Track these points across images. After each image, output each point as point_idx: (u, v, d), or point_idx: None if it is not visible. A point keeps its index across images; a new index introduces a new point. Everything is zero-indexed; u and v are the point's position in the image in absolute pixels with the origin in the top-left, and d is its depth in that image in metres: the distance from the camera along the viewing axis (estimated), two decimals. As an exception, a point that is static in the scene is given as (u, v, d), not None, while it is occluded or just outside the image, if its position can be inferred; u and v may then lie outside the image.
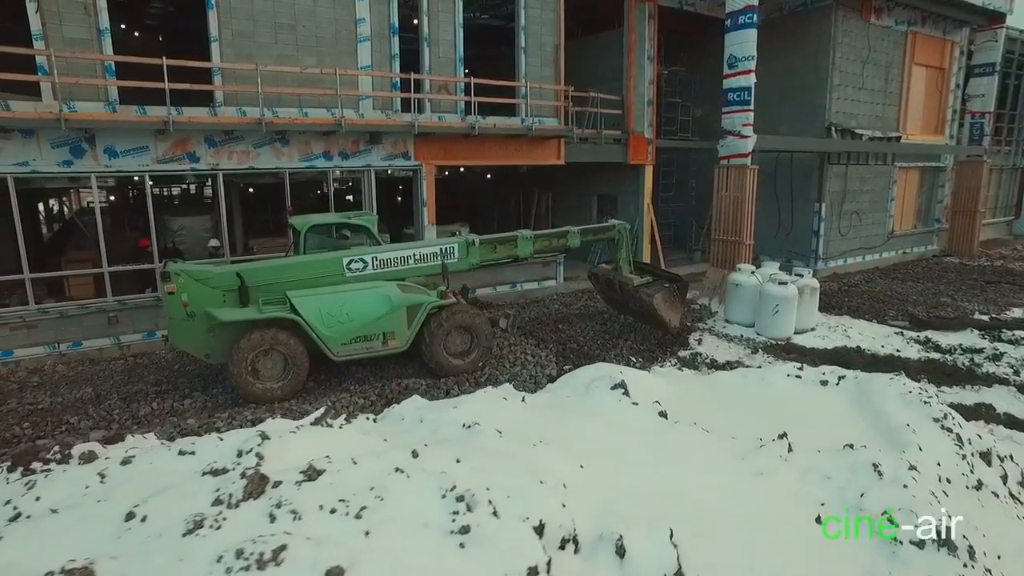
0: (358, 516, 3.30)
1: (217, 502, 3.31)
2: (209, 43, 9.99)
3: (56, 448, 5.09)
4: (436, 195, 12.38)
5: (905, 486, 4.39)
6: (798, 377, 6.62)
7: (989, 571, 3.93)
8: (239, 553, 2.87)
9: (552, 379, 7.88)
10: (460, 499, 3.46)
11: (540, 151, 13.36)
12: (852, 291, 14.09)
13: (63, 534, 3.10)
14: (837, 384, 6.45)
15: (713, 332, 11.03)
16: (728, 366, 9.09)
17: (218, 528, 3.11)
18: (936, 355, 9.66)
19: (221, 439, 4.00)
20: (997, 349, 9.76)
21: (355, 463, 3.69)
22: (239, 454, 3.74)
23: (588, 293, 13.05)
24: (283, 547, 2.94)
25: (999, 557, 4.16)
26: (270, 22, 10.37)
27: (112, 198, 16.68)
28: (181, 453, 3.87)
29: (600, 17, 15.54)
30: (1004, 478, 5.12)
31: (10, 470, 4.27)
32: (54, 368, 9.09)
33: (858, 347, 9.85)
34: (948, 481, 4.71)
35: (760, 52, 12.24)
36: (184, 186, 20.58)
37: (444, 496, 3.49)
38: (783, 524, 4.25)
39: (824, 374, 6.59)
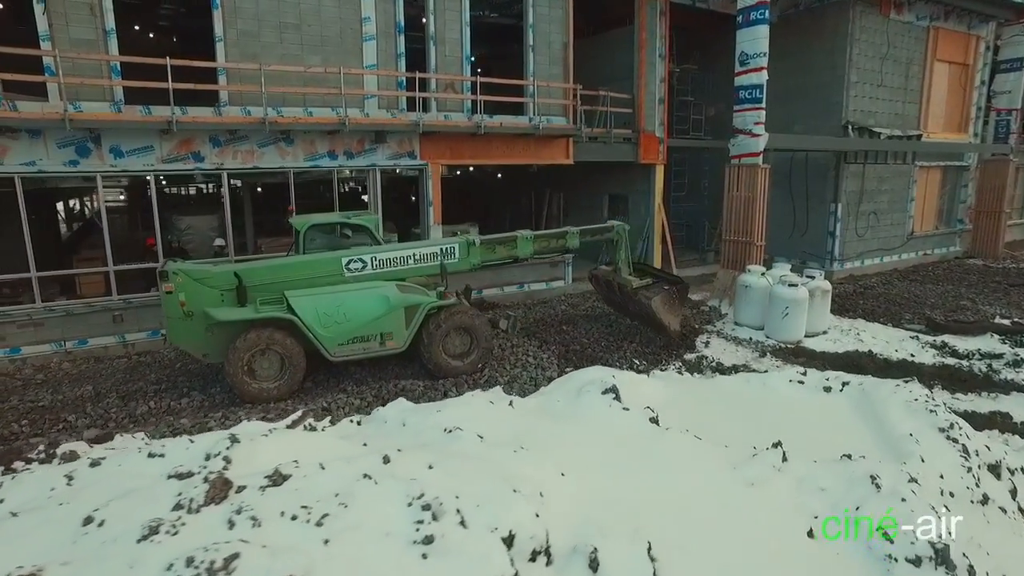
0: (319, 524, 3.20)
1: (177, 507, 3.25)
2: (214, 43, 10.03)
3: (41, 448, 5.11)
4: (447, 195, 12.31)
5: (903, 499, 4.18)
6: (800, 383, 6.40)
7: (990, 592, 3.72)
8: (189, 561, 2.79)
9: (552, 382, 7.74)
10: (426, 507, 3.35)
11: (548, 150, 13.22)
12: (867, 293, 13.72)
13: (19, 538, 3.05)
14: (841, 390, 6.22)
15: (722, 335, 10.80)
16: (734, 370, 8.87)
17: (175, 534, 3.04)
18: (952, 360, 9.32)
19: (192, 441, 3.95)
20: (1018, 355, 9.37)
21: (323, 468, 3.60)
22: (207, 457, 3.67)
23: (596, 294, 12.86)
24: (236, 555, 2.85)
25: (1003, 577, 3.94)
26: (275, 22, 10.38)
27: (123, 198, 16.90)
28: (151, 456, 3.82)
29: (610, 14, 15.34)
30: (1013, 492, 4.87)
31: (-9, 470, 4.27)
32: (59, 366, 9.18)
33: (870, 351, 9.55)
34: (951, 495, 4.48)
35: (775, 49, 11.97)
36: (198, 185, 20.80)
37: (410, 504, 3.38)
38: (773, 538, 4.07)
39: (828, 380, 6.36)
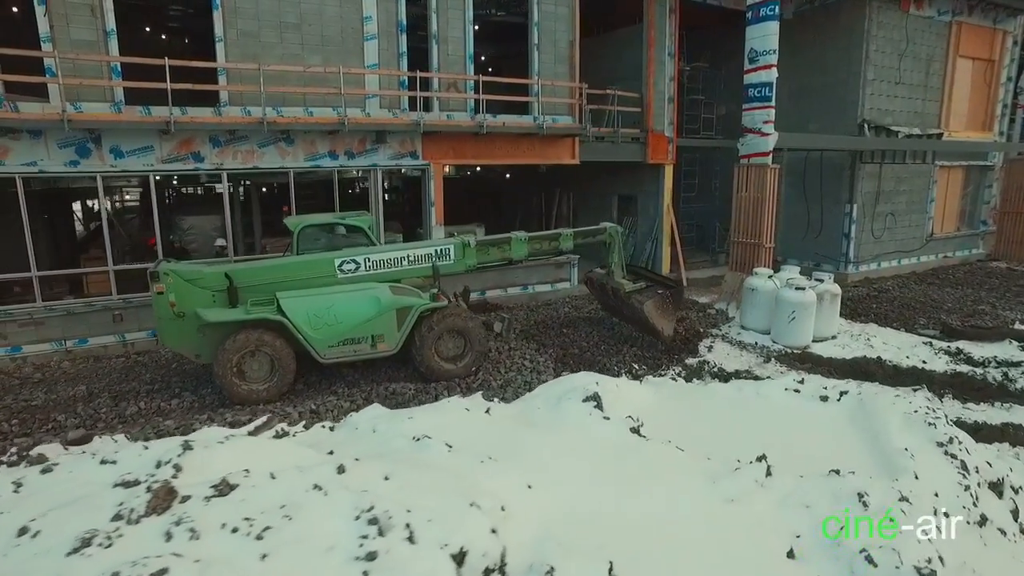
0: (259, 537, 3.08)
1: (117, 517, 3.15)
2: (214, 43, 10.03)
3: (14, 450, 5.08)
4: (456, 195, 12.18)
5: (892, 519, 3.95)
6: (796, 391, 6.14)
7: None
8: (114, 577, 2.69)
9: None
10: (373, 521, 3.21)
11: (553, 150, 13.03)
12: (882, 297, 13.28)
13: (-50, 548, 2.98)
14: (839, 400, 5.95)
15: (726, 339, 10.51)
16: (736, 376, 8.60)
17: (108, 547, 2.94)
18: (966, 368, 8.94)
19: (146, 447, 3.86)
20: (1037, 363, 8.97)
21: (273, 478, 3.48)
22: (158, 465, 3.58)
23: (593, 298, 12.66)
24: (164, 571, 2.74)
25: (996, 605, 3.69)
26: (276, 21, 10.35)
27: (136, 198, 17.07)
28: (103, 462, 3.73)
29: (619, 13, 15.08)
30: (1015, 513, 4.59)
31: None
32: (59, 364, 9.25)
33: (879, 357, 9.19)
34: (945, 515, 4.21)
35: (790, 46, 11.64)
36: (204, 185, 20.94)
37: (358, 517, 3.24)
38: (749, 558, 3.86)
39: (825, 389, 6.09)
